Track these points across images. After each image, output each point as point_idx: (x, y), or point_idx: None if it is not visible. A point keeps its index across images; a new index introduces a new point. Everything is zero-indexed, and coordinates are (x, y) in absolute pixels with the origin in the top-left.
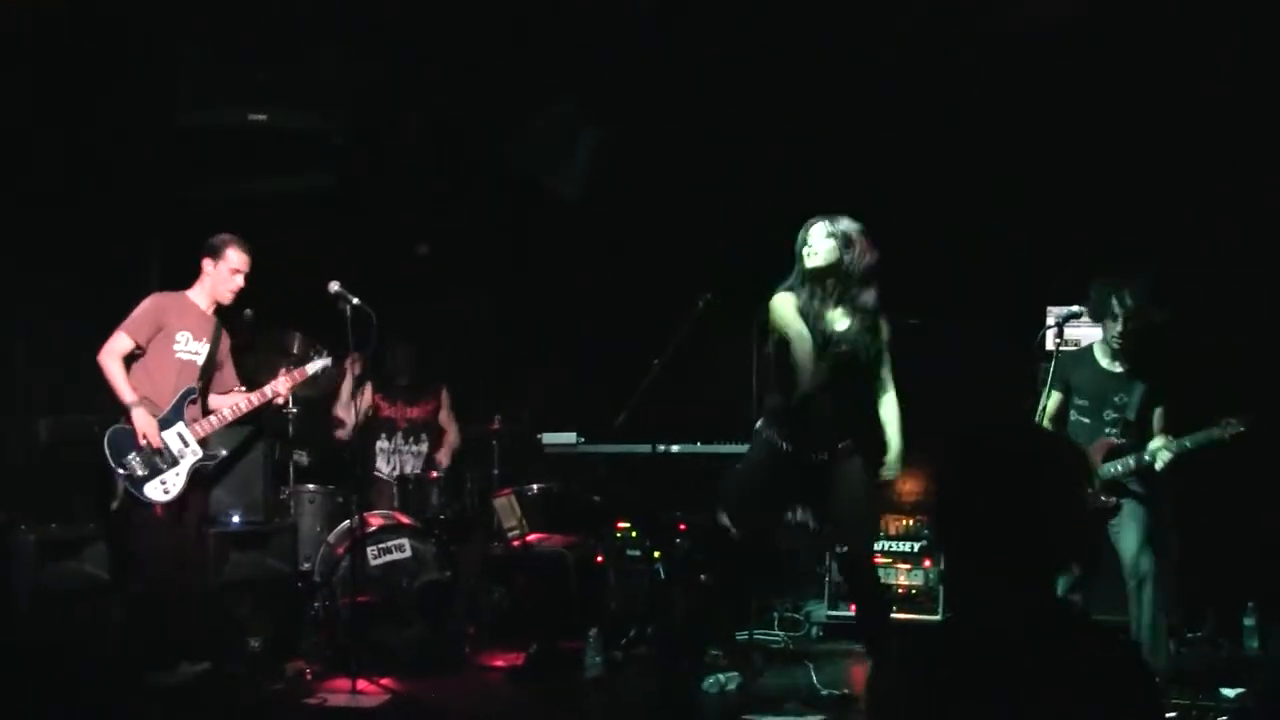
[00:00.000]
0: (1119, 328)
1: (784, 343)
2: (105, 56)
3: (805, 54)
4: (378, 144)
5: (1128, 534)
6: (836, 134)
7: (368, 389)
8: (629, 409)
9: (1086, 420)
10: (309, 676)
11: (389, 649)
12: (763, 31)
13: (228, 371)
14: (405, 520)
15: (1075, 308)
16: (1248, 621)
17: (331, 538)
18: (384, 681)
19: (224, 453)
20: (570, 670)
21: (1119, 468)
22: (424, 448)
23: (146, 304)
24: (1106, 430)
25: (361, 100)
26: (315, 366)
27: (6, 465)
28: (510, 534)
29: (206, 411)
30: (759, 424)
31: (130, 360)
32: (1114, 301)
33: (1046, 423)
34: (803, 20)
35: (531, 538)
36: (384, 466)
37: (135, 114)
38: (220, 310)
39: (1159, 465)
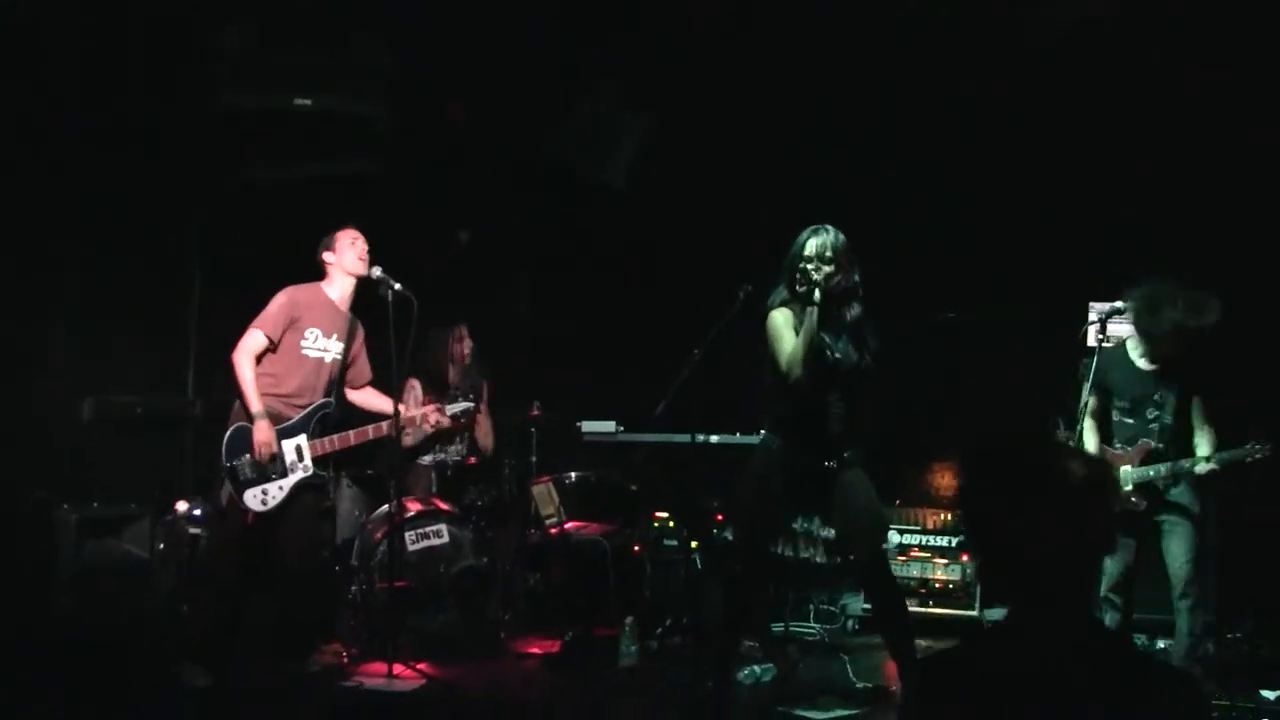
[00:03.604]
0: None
1: (780, 356)
2: (150, 38)
3: (850, 44)
4: (421, 131)
5: (1174, 544)
6: (878, 126)
7: (417, 386)
8: (668, 398)
9: (1130, 420)
10: (345, 660)
11: (425, 634)
12: (806, 21)
13: (361, 365)
14: (443, 506)
15: (1118, 303)
16: None
17: (370, 522)
18: (420, 666)
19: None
20: (605, 659)
21: (1153, 472)
22: (463, 446)
23: (281, 298)
24: (1148, 428)
25: (405, 87)
26: (456, 409)
27: (49, 444)
28: (547, 522)
29: (338, 415)
30: (763, 435)
31: (259, 354)
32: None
33: (1088, 421)
34: (848, 13)
35: (569, 526)
36: (425, 457)
37: (180, 96)
38: (355, 305)
39: (1200, 470)
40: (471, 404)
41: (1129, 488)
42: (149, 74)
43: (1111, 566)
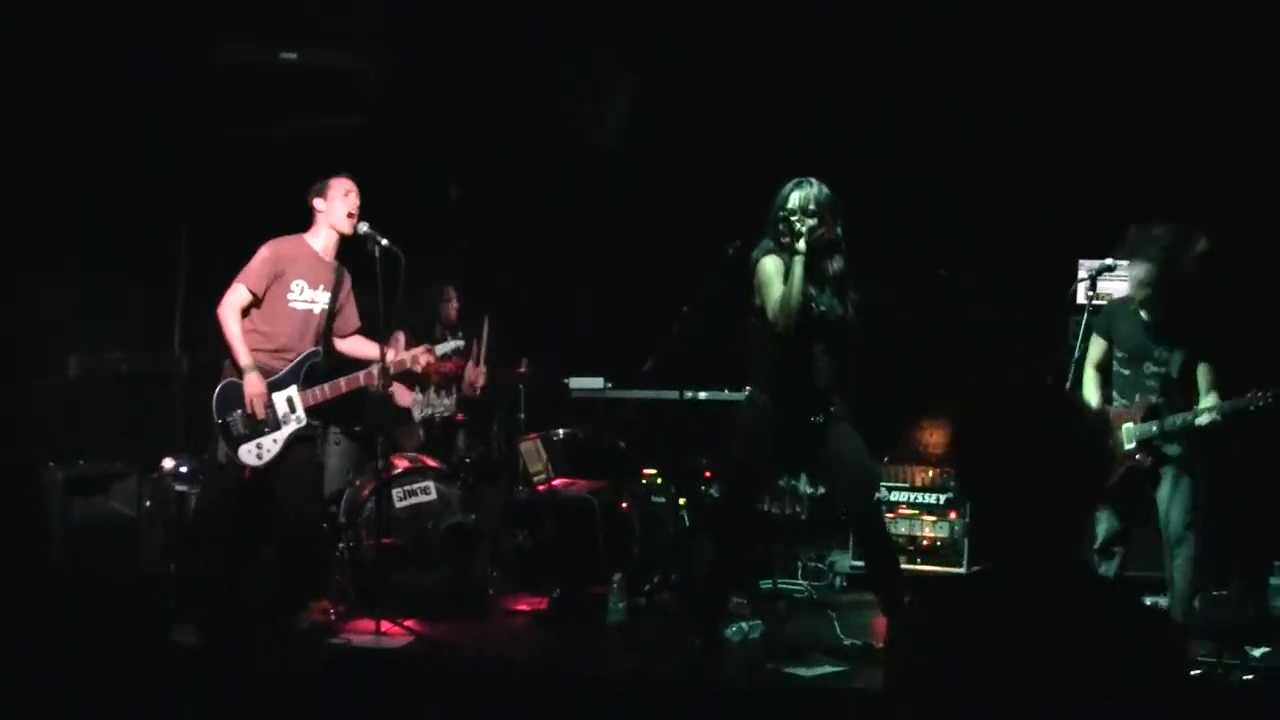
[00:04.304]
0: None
1: (769, 304)
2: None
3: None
4: (412, 84)
5: (1171, 497)
6: (870, 84)
7: (401, 338)
8: (657, 355)
9: (1127, 372)
10: (333, 617)
11: (413, 591)
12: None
13: (349, 313)
14: (431, 463)
15: (1108, 260)
16: (1275, 580)
17: (357, 479)
18: (407, 623)
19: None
20: (593, 615)
21: (1155, 428)
22: (452, 400)
23: (264, 252)
24: (1147, 383)
25: (396, 39)
26: (445, 348)
27: (36, 402)
28: (535, 478)
29: (326, 364)
30: (749, 392)
31: (245, 309)
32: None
33: (1090, 371)
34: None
35: (557, 483)
36: (414, 413)
37: (166, 53)
38: (340, 254)
39: (1202, 421)
40: (460, 343)
41: (1131, 445)
42: (141, 32)
43: (1109, 519)
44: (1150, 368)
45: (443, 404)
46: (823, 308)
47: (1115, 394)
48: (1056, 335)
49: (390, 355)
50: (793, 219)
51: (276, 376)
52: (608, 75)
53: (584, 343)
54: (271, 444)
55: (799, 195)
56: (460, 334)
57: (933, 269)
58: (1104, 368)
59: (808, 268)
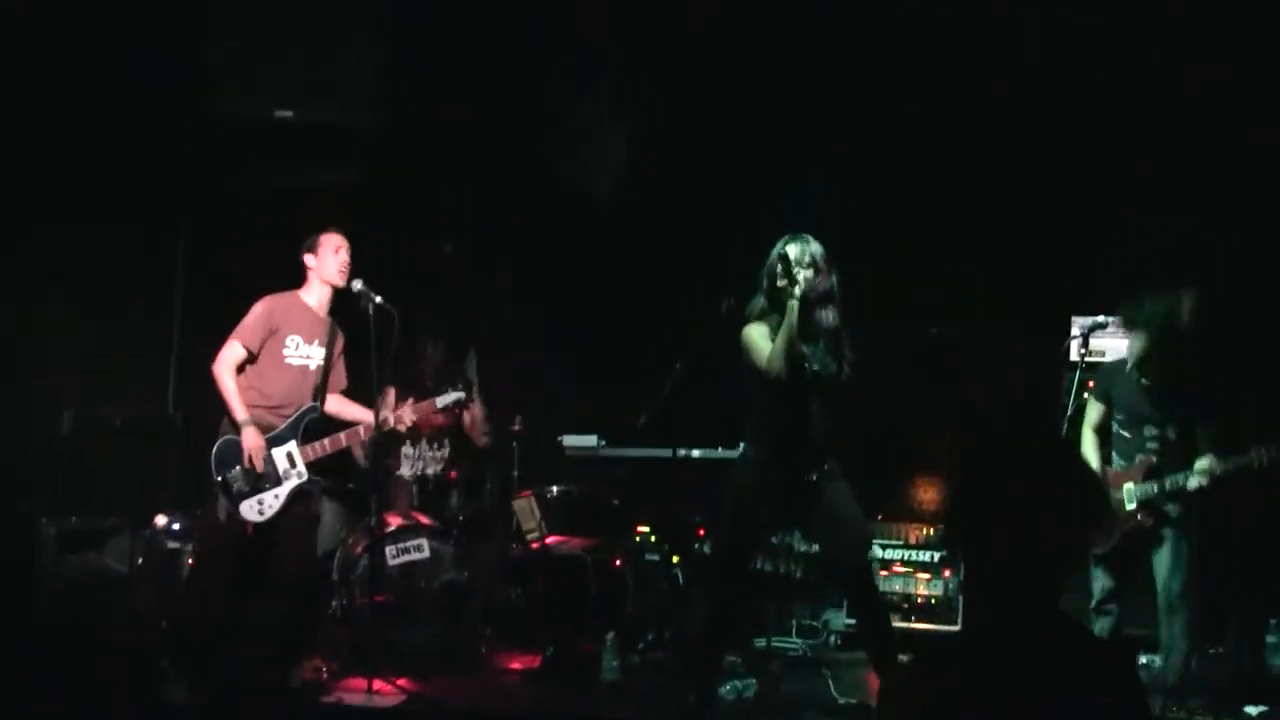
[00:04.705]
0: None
1: (758, 371)
2: (139, 51)
3: (842, 55)
4: (407, 138)
5: (1164, 559)
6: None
7: (390, 393)
8: (650, 412)
9: (1127, 434)
10: (325, 675)
11: (406, 649)
12: (796, 29)
13: (338, 372)
14: (424, 520)
15: (1100, 318)
16: (1271, 638)
17: (350, 536)
18: (400, 681)
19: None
20: (587, 673)
21: (1154, 489)
22: (445, 452)
23: (258, 309)
24: (1147, 445)
25: (392, 92)
26: (447, 400)
27: (30, 456)
28: (529, 536)
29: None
30: (742, 449)
31: (241, 366)
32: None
33: (1089, 433)
34: (840, 21)
35: (550, 540)
36: (406, 470)
37: (163, 107)
38: (334, 310)
39: (1190, 485)
40: (461, 394)
41: (1133, 505)
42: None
43: (1104, 578)
44: (1149, 430)
45: (436, 456)
46: (816, 366)
47: (1115, 455)
48: (1050, 391)
49: (384, 412)
50: (791, 264)
51: (275, 432)
52: (603, 124)
53: (579, 399)
54: (273, 500)
55: (795, 248)
56: (456, 385)
57: (927, 324)
58: (1102, 430)
59: (802, 322)
